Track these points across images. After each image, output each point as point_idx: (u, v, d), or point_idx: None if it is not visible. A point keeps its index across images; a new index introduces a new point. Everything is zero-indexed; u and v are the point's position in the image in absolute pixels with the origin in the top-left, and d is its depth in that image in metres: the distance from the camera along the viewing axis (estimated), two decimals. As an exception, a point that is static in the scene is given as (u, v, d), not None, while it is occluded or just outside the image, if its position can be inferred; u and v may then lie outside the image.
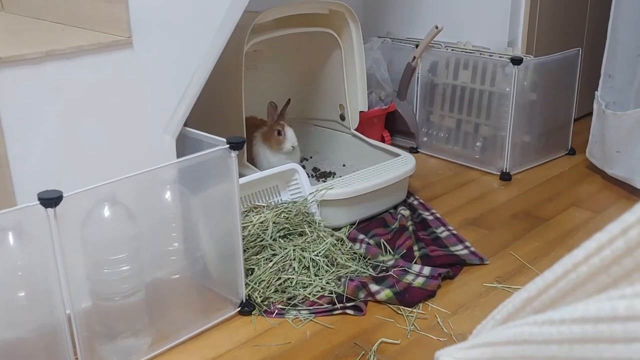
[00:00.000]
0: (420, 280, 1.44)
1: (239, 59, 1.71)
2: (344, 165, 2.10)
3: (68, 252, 1.06)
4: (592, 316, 0.23)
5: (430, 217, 1.78)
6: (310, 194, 1.65)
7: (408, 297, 1.39)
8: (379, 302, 1.40)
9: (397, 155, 1.89)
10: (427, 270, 1.48)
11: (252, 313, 1.37)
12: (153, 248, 1.24)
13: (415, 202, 1.87)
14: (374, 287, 1.40)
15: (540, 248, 1.64)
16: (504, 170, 2.08)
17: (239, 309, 1.37)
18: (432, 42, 2.20)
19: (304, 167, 1.88)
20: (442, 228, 1.72)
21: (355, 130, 2.09)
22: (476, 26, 2.26)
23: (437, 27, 2.13)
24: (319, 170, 2.07)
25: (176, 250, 1.27)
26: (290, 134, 1.83)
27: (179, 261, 1.28)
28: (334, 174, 2.04)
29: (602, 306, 0.23)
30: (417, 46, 2.25)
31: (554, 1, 2.27)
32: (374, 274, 1.48)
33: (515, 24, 2.21)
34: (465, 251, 1.60)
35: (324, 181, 1.91)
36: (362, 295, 1.39)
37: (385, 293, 1.39)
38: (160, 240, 1.25)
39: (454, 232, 1.70)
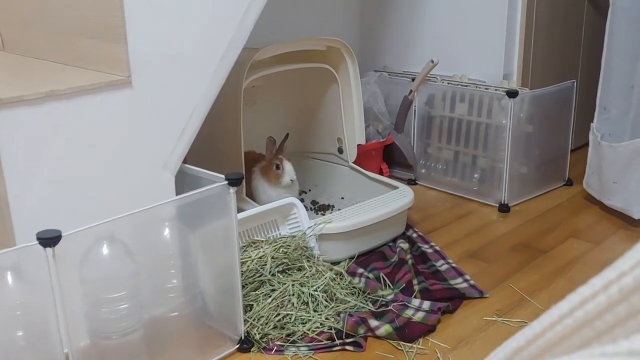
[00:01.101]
0: (420, 315, 1.43)
1: (237, 95, 1.73)
2: (342, 198, 2.11)
3: (66, 291, 1.06)
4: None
5: (430, 250, 1.78)
6: (308, 228, 1.65)
7: (408, 333, 1.39)
8: (378, 337, 1.39)
9: (395, 187, 1.90)
10: (426, 304, 1.47)
11: (251, 350, 1.36)
12: (152, 285, 1.24)
13: (414, 235, 1.87)
14: (373, 323, 1.40)
15: (540, 280, 1.63)
16: (503, 202, 2.09)
17: (238, 345, 1.36)
18: (429, 75, 2.23)
19: (302, 200, 1.89)
20: (442, 261, 1.72)
21: (353, 163, 2.10)
22: (471, 60, 2.29)
23: (432, 61, 2.16)
24: (318, 203, 2.08)
25: (175, 287, 1.27)
26: (288, 167, 1.85)
27: (178, 298, 1.27)
28: (333, 206, 2.05)
29: (585, 361, 0.23)
30: (413, 80, 2.27)
31: (548, 34, 2.30)
32: (373, 308, 1.48)
33: (510, 57, 2.24)
34: (464, 284, 1.59)
35: (323, 214, 1.92)
36: (361, 330, 1.39)
37: (385, 328, 1.39)
38: (159, 277, 1.25)
39: (454, 265, 1.69)
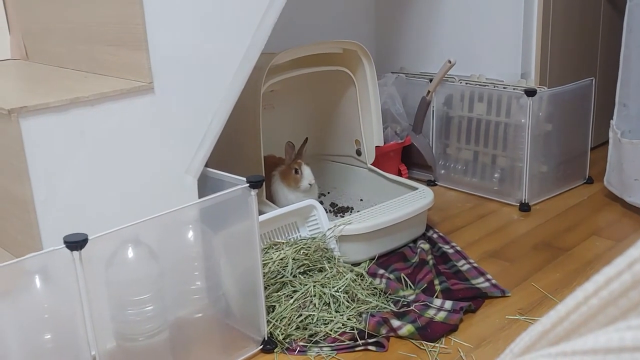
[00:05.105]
0: (442, 315, 1.44)
1: (256, 99, 1.74)
2: (361, 200, 2.11)
3: (93, 293, 1.08)
4: (601, 347, 0.24)
5: (451, 251, 1.78)
6: (328, 229, 1.66)
7: (430, 332, 1.39)
8: (401, 337, 1.39)
9: (414, 188, 1.90)
10: (448, 304, 1.47)
11: (275, 351, 1.37)
12: (176, 287, 1.26)
13: (435, 236, 1.87)
14: (395, 323, 1.40)
15: (562, 279, 1.63)
16: (523, 201, 2.08)
17: (261, 346, 1.37)
18: (446, 75, 2.23)
19: (321, 202, 1.90)
20: (463, 261, 1.71)
21: (371, 165, 2.11)
22: (489, 59, 2.29)
23: (450, 62, 2.16)
24: (337, 205, 2.09)
25: (199, 289, 1.28)
26: (307, 172, 1.86)
27: (202, 300, 1.29)
28: (352, 209, 2.05)
29: (610, 337, 0.24)
30: (431, 80, 2.28)
31: (565, 32, 2.29)
32: (395, 309, 1.48)
33: (528, 56, 2.24)
34: (486, 284, 1.59)
35: (342, 216, 1.93)
36: (383, 331, 1.39)
37: (407, 328, 1.39)
38: (183, 279, 1.27)
39: (475, 264, 1.69)
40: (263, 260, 1.49)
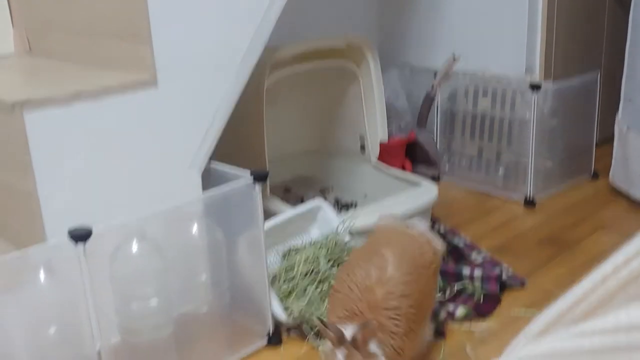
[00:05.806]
0: (478, 284, 1.50)
1: (259, 93, 1.73)
2: (365, 196, 2.10)
3: (97, 287, 1.08)
4: (623, 325, 0.23)
5: (461, 245, 1.77)
6: (339, 223, 1.63)
7: (484, 307, 1.45)
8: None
9: (419, 184, 1.89)
10: (478, 272, 1.53)
11: (281, 345, 1.36)
12: (181, 282, 1.25)
13: (442, 230, 1.86)
14: (450, 307, 1.45)
15: (568, 274, 1.62)
16: (528, 197, 2.07)
17: (267, 341, 1.37)
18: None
19: (325, 199, 1.89)
20: (475, 253, 1.71)
21: (375, 160, 2.10)
22: (493, 54, 2.27)
23: (454, 57, 2.14)
24: (341, 201, 2.08)
25: (203, 284, 1.28)
26: None
27: (207, 294, 1.29)
28: (356, 204, 2.04)
29: (632, 314, 0.23)
30: (435, 75, 2.26)
31: (570, 26, 2.28)
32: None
33: (532, 51, 2.22)
34: (504, 275, 1.58)
35: (346, 212, 1.92)
36: (443, 315, 1.42)
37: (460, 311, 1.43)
38: (187, 273, 1.27)
39: (488, 257, 1.69)
40: (288, 266, 1.48)
